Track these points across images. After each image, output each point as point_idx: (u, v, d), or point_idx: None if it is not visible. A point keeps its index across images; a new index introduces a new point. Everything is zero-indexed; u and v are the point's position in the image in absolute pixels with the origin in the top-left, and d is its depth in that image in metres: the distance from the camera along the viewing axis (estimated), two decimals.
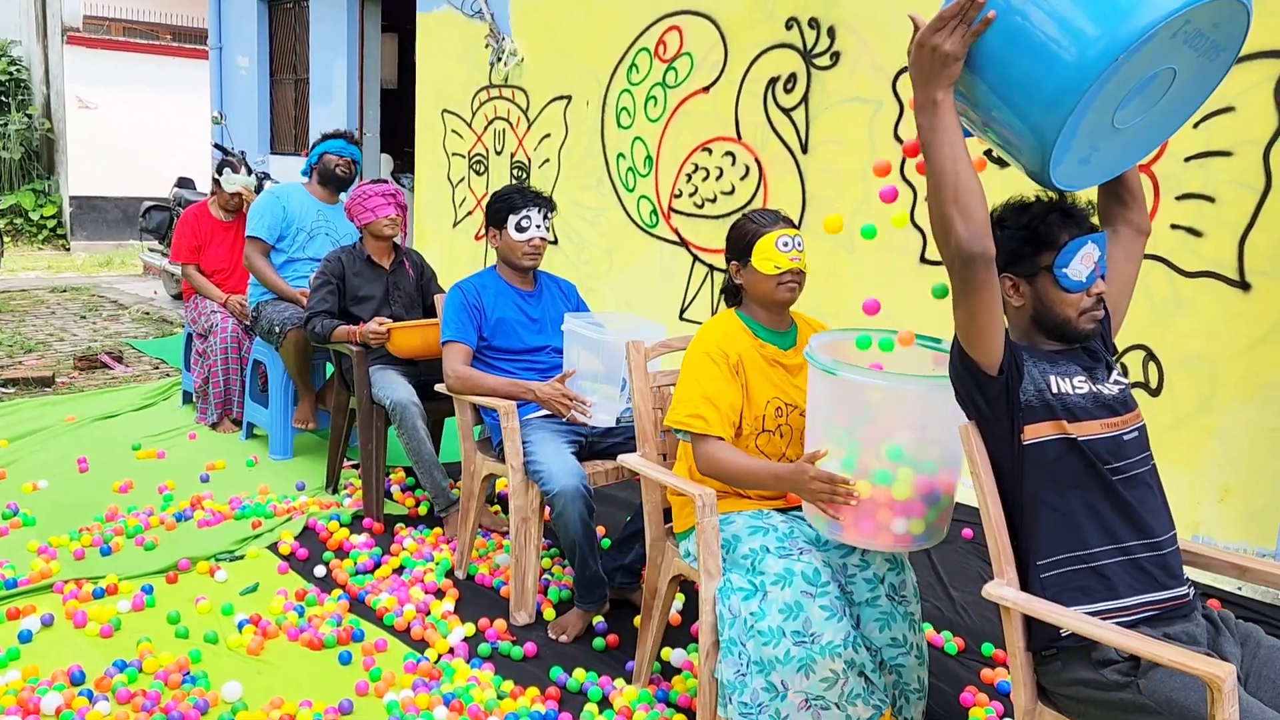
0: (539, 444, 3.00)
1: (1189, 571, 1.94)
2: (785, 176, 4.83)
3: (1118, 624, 1.76)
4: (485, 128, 6.66)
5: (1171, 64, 1.71)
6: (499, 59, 6.40)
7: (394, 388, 3.64)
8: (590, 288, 5.52)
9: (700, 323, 5.30)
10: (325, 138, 4.71)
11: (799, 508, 2.51)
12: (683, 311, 5.42)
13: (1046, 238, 1.89)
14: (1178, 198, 3.58)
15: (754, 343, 2.48)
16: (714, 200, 5.19)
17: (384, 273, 4.04)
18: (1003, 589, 1.80)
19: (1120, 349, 3.71)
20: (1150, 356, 3.67)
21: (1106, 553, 1.82)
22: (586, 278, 5.73)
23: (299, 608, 3.10)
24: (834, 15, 4.55)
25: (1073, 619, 1.72)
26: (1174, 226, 3.60)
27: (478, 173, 6.79)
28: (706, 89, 5.16)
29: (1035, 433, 1.85)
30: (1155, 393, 3.65)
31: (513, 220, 3.26)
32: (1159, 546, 1.84)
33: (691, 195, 5.30)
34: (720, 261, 5.18)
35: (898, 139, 4.34)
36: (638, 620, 3.09)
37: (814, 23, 4.63)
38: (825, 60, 4.60)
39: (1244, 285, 3.43)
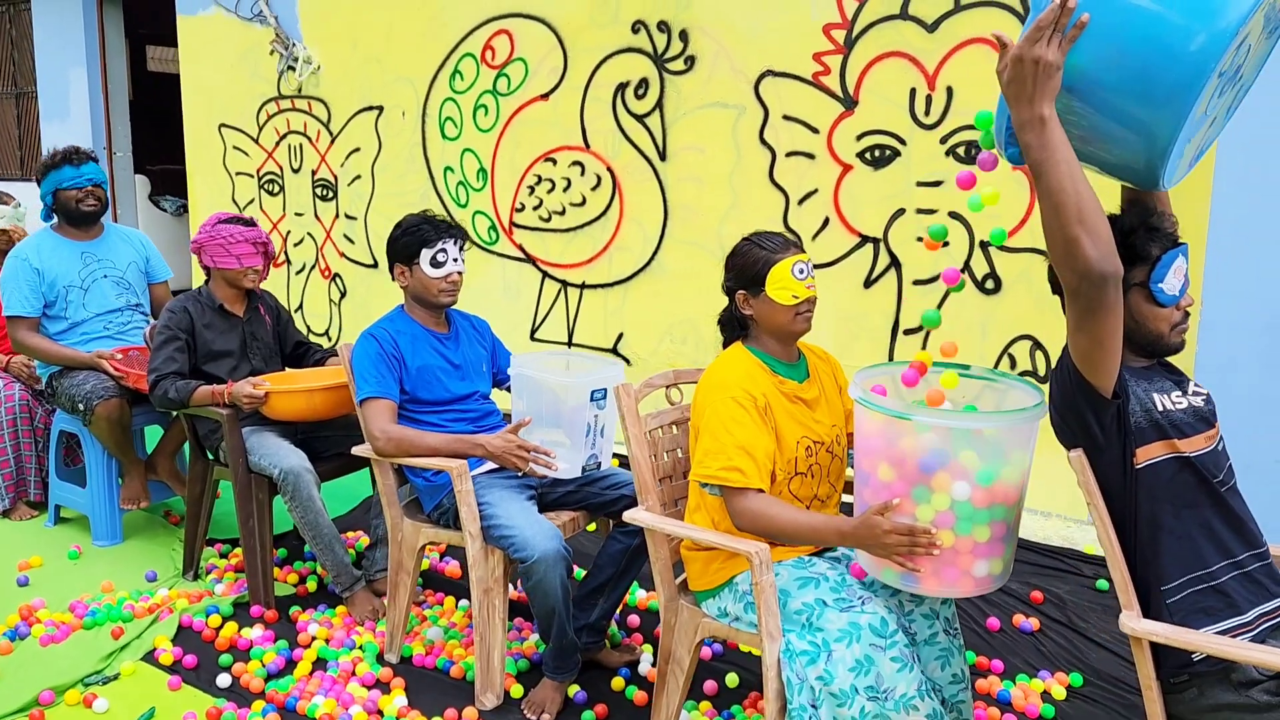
0: (499, 505, 2.66)
1: None
2: (643, 185, 4.65)
3: (1245, 640, 1.74)
4: (277, 143, 6.03)
5: (1251, 41, 1.69)
6: (290, 67, 5.80)
7: (280, 454, 3.15)
8: None
9: (556, 343, 5.07)
10: (47, 169, 3.88)
11: (835, 550, 2.37)
12: (534, 331, 5.13)
13: (1141, 252, 1.84)
14: None
15: (774, 380, 2.28)
16: (562, 213, 4.93)
17: (239, 322, 3.49)
18: (1149, 624, 1.74)
19: (1008, 340, 3.83)
20: (1037, 345, 3.81)
21: (1224, 569, 1.80)
22: None
23: None
24: (685, 18, 4.42)
25: (1239, 650, 1.67)
26: None
27: (270, 193, 6.14)
28: (545, 96, 4.89)
29: (1147, 454, 1.80)
30: (1044, 380, 3.80)
31: (426, 255, 2.88)
32: (1264, 556, 1.85)
33: (536, 208, 5.02)
34: (574, 277, 4.94)
35: (764, 144, 4.28)
36: (616, 683, 2.85)
37: (664, 26, 4.48)
38: (679, 65, 4.46)
39: None
